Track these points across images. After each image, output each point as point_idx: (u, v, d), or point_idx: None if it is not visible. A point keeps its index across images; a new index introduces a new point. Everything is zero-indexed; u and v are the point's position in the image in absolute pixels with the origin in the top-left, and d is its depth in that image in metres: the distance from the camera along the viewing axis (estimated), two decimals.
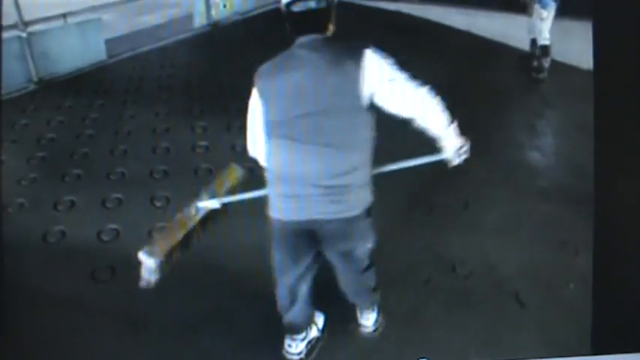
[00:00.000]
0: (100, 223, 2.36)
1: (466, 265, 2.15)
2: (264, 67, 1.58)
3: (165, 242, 1.76)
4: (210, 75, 3.81)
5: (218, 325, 1.92)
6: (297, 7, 1.55)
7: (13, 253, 2.17)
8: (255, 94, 1.59)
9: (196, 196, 1.83)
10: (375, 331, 1.92)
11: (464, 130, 1.60)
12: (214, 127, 3.12)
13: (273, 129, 1.56)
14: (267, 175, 1.62)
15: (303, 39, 1.55)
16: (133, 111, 3.24)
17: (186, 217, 1.80)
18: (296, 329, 1.81)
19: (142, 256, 1.73)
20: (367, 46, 1.55)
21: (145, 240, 2.28)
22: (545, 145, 2.94)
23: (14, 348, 1.87)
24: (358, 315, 1.91)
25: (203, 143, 2.97)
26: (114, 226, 2.35)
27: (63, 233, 2.34)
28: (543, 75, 3.50)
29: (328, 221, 1.59)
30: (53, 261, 2.20)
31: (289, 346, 1.83)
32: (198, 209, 1.80)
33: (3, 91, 3.06)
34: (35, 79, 3.61)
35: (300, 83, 1.52)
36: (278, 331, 1.81)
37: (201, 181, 2.58)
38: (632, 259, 1.75)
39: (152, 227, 2.30)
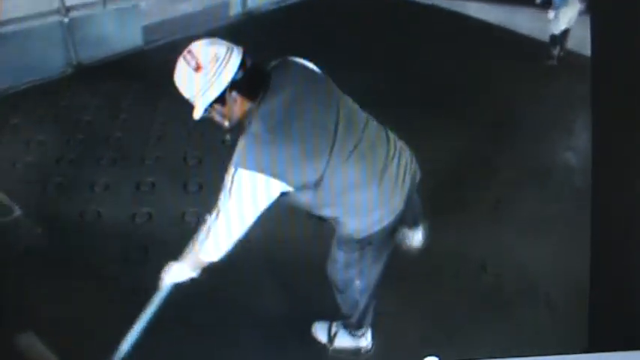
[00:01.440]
0: (134, 206, 2.42)
1: (497, 264, 2.14)
2: (273, 162, 1.46)
3: None
4: None
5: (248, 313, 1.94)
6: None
7: (51, 230, 2.27)
8: (277, 186, 1.46)
9: None
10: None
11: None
12: None
13: (329, 173, 1.50)
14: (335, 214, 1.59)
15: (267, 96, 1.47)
16: (168, 97, 3.29)
17: None
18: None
19: None
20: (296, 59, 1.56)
21: (177, 223, 2.35)
22: (580, 144, 2.88)
23: (48, 319, 1.94)
24: None
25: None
26: (147, 209, 2.41)
27: (98, 213, 2.40)
28: (552, 62, 3.48)
29: (403, 210, 1.64)
30: (89, 239, 2.28)
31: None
32: None
33: (44, 75, 3.15)
34: (74, 62, 3.69)
35: (322, 124, 1.49)
36: None
37: None
38: (629, 255, 1.73)
39: (184, 212, 2.36)
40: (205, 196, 2.44)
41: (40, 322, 1.93)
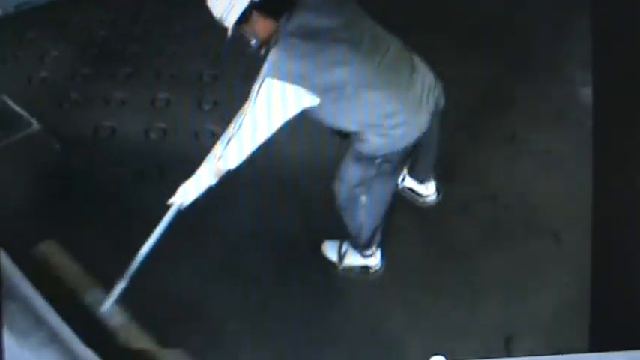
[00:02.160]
0: (148, 122, 2.40)
1: (507, 196, 2.11)
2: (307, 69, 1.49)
3: None
4: None
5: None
6: None
7: (66, 146, 2.27)
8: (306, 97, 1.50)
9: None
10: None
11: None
12: None
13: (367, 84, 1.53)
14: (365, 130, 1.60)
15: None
16: (183, 13, 3.18)
17: None
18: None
19: None
20: None
21: (192, 141, 2.33)
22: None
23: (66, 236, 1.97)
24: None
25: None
26: (162, 125, 2.39)
27: (113, 129, 2.39)
28: None
29: (425, 133, 1.65)
30: (104, 156, 2.28)
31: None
32: None
33: None
34: None
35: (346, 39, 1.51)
36: None
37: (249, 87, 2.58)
38: (631, 254, 1.69)
39: (198, 129, 2.34)
40: (220, 113, 2.41)
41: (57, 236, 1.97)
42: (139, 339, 1.68)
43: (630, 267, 1.64)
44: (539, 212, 2.06)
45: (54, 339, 1.51)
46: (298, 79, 1.48)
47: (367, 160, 1.65)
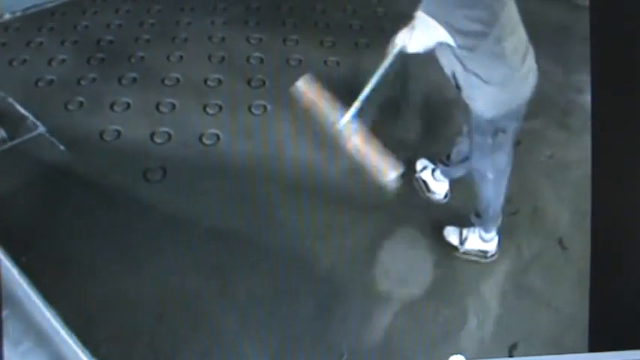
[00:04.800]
0: (153, 126, 2.41)
1: (513, 202, 2.13)
2: None
3: None
4: None
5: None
6: None
7: (72, 148, 2.28)
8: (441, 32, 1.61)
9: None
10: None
11: None
12: (269, 39, 3.06)
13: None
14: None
15: None
16: (190, 18, 3.21)
17: None
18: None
19: None
20: None
21: (196, 144, 2.34)
22: None
23: (70, 237, 1.98)
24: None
25: (257, 54, 2.92)
26: (166, 129, 2.40)
27: (118, 132, 2.40)
28: None
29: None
30: (109, 158, 2.29)
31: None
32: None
33: None
34: None
35: None
36: None
37: (254, 92, 2.60)
38: (630, 254, 1.69)
39: (203, 133, 2.35)
40: (224, 117, 2.43)
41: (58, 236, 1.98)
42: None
43: (630, 267, 1.64)
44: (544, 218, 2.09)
45: (42, 344, 1.51)
46: (439, 18, 1.59)
47: (481, 123, 1.76)
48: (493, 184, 1.89)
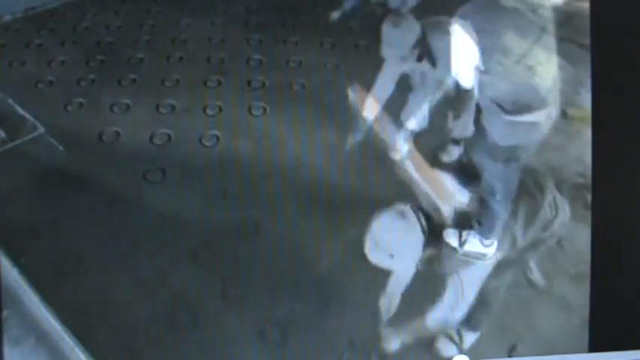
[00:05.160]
0: (153, 127, 2.41)
1: None
2: None
3: None
4: None
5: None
6: None
7: (71, 149, 2.28)
8: None
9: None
10: None
11: None
12: (269, 41, 3.06)
13: None
14: None
15: None
16: (190, 19, 3.21)
17: None
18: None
19: None
20: None
21: (196, 145, 2.35)
22: None
23: (70, 237, 1.98)
24: None
25: (257, 56, 2.93)
26: (166, 130, 2.40)
27: (118, 134, 2.41)
28: None
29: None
30: (108, 159, 2.29)
31: None
32: None
33: None
34: None
35: None
36: None
37: (254, 93, 2.60)
38: (630, 254, 1.69)
39: (203, 134, 2.35)
40: (224, 118, 2.43)
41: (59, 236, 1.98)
42: None
43: (630, 267, 1.64)
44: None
45: (42, 344, 1.50)
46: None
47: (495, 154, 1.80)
48: (500, 202, 1.91)
